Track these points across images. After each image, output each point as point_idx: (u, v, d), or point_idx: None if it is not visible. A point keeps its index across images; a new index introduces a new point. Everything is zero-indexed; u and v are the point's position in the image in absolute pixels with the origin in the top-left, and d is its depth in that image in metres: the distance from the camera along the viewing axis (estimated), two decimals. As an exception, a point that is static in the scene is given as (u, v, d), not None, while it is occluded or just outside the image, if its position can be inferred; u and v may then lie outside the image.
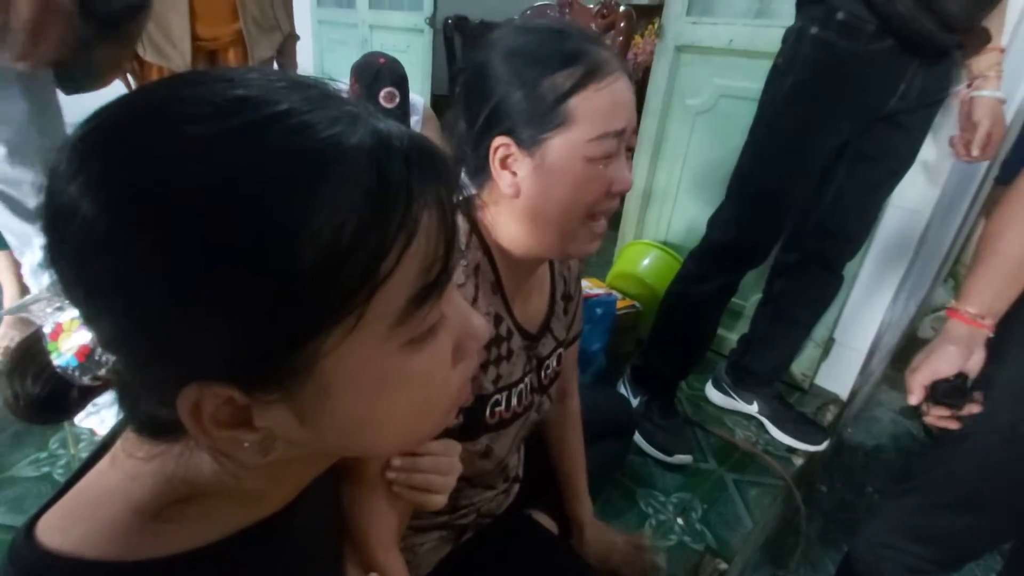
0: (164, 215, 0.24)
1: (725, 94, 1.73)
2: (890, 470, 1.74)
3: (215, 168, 0.24)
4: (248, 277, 0.25)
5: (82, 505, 0.33)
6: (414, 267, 0.29)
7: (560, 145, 0.59)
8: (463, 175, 0.67)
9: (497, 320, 0.70)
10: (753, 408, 1.63)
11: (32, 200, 1.04)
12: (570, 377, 0.95)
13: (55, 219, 0.26)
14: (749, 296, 1.79)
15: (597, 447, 1.04)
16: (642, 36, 2.68)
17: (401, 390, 0.32)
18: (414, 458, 0.53)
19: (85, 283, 0.26)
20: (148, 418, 0.31)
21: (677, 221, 1.98)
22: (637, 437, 1.43)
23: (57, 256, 0.27)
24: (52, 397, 0.32)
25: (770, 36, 1.46)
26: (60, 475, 1.24)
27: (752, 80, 1.51)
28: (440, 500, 0.54)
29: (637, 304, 1.83)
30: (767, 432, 1.59)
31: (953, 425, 0.78)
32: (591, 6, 2.27)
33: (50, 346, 0.31)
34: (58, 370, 0.31)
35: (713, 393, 1.71)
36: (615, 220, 2.08)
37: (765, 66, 1.26)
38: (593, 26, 2.14)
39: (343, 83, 0.30)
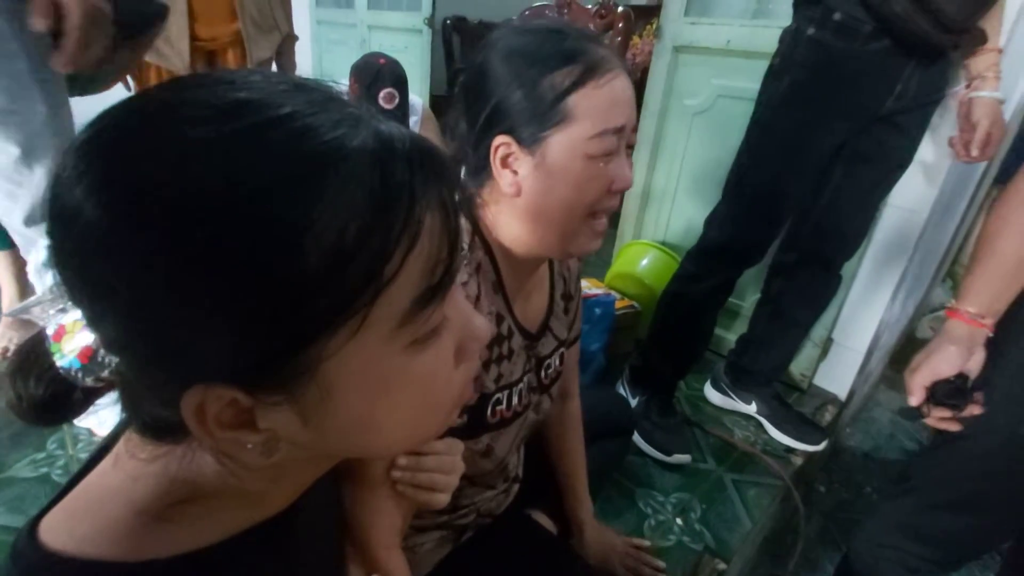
0: (168, 218, 0.24)
1: (723, 94, 1.73)
2: (888, 470, 1.74)
3: (218, 171, 0.24)
4: (252, 280, 0.25)
5: (85, 506, 0.33)
6: (418, 269, 0.29)
7: (560, 143, 0.60)
8: (463, 175, 0.67)
9: (498, 319, 0.70)
10: (752, 408, 1.63)
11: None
12: (571, 377, 0.95)
13: (59, 221, 0.26)
14: (747, 296, 1.79)
15: (596, 447, 1.04)
16: (640, 36, 2.68)
17: (404, 391, 0.32)
18: (418, 457, 0.53)
19: (89, 285, 0.27)
20: (151, 419, 0.31)
21: (675, 221, 1.98)
22: (636, 437, 1.43)
23: (61, 258, 0.27)
24: (55, 398, 0.32)
25: (768, 36, 1.46)
26: (58, 476, 1.23)
27: (750, 80, 1.50)
28: (444, 499, 0.54)
29: (636, 304, 1.83)
30: (766, 432, 1.59)
31: (954, 427, 0.78)
32: (589, 6, 2.27)
33: (53, 347, 0.31)
34: (61, 371, 0.31)
35: (712, 393, 1.71)
36: (614, 219, 2.09)
37: (763, 66, 1.26)
38: (591, 26, 2.15)
39: (343, 84, 0.30)
